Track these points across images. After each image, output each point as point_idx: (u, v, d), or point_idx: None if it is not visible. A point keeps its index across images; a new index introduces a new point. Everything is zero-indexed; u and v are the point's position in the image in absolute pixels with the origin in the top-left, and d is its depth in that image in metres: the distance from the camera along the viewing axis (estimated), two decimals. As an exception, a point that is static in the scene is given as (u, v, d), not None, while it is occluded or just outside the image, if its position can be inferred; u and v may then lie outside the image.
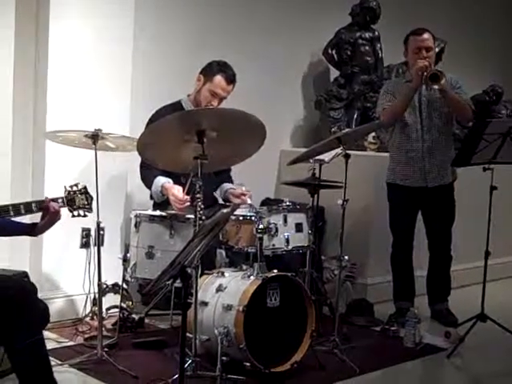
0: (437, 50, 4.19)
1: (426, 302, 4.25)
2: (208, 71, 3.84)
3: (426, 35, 3.95)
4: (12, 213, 2.55)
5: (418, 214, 4.15)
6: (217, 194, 4.02)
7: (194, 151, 3.03)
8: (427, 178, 4.03)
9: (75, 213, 2.80)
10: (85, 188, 2.85)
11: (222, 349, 2.93)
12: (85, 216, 2.86)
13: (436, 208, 4.11)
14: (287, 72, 5.20)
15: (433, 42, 3.98)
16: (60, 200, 2.72)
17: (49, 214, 2.63)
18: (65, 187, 2.79)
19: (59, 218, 2.68)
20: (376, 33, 5.30)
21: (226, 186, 3.97)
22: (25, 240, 2.97)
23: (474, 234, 4.27)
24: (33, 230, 2.70)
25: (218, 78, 3.80)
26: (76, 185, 2.81)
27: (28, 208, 2.59)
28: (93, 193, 3.08)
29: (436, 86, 3.81)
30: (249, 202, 3.58)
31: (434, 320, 4.19)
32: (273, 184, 5.14)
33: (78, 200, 2.79)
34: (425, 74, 3.79)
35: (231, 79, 3.82)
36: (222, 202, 3.99)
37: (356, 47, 5.24)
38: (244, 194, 3.74)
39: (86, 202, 2.83)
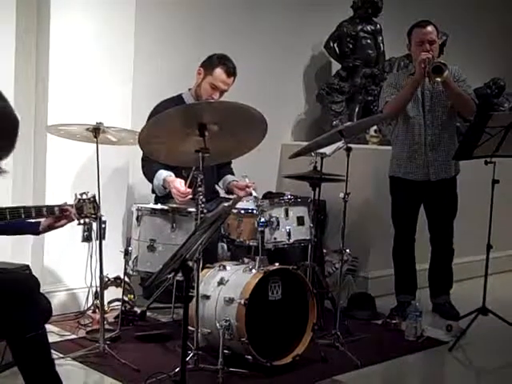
0: (439, 42, 4.17)
1: (428, 296, 4.25)
2: (208, 64, 3.83)
3: (429, 28, 3.93)
4: (34, 214, 2.63)
5: (420, 207, 4.15)
6: (219, 186, 4.02)
7: (196, 144, 3.03)
8: (430, 171, 4.02)
9: (81, 221, 2.89)
10: (93, 197, 2.94)
11: (224, 342, 2.93)
12: (89, 224, 2.93)
13: (438, 202, 4.10)
14: (289, 65, 5.20)
15: (436, 34, 3.96)
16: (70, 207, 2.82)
17: (67, 218, 2.76)
18: (75, 195, 2.88)
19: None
20: (378, 26, 5.29)
21: (229, 178, 3.97)
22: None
23: (475, 227, 4.27)
24: (38, 230, 2.78)
25: (218, 71, 3.79)
26: (86, 193, 2.90)
27: (51, 211, 2.71)
28: (94, 186, 3.10)
29: (439, 79, 3.79)
30: (254, 194, 3.57)
31: (435, 313, 4.19)
32: (274, 177, 5.14)
33: (86, 209, 2.90)
34: (427, 66, 3.78)
35: (231, 72, 3.81)
36: (224, 195, 4.00)
37: (358, 40, 5.23)
38: (248, 186, 3.73)
39: (92, 212, 2.92)
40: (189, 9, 4.58)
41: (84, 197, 2.88)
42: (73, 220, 2.81)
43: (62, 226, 2.79)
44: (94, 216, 2.93)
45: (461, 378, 3.41)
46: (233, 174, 4.04)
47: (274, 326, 3.11)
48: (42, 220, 2.76)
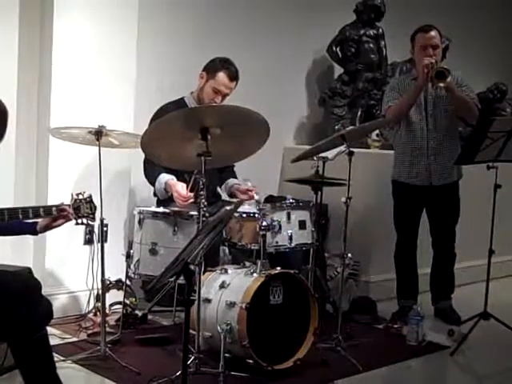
0: (442, 47, 4.17)
1: (430, 300, 4.25)
2: (211, 68, 3.84)
3: (433, 33, 3.93)
4: (31, 215, 2.64)
5: (422, 211, 4.14)
6: (221, 189, 4.02)
7: (198, 148, 3.03)
8: (432, 176, 4.02)
9: (79, 221, 2.90)
10: (90, 197, 2.95)
11: (225, 346, 2.93)
12: (87, 225, 2.96)
13: (440, 206, 4.10)
14: (291, 69, 5.20)
15: (439, 39, 3.96)
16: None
17: (64, 218, 2.76)
18: (72, 195, 2.89)
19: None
20: (380, 30, 5.29)
21: (232, 181, 3.96)
22: (28, 236, 3.00)
23: (477, 232, 4.26)
24: (35, 230, 2.78)
25: (221, 75, 3.79)
26: (82, 193, 2.91)
27: (48, 211, 2.71)
28: (96, 189, 3.10)
29: (441, 84, 3.78)
30: (256, 197, 3.56)
31: (437, 318, 4.18)
32: (276, 181, 5.14)
33: (82, 208, 2.91)
34: (431, 71, 3.78)
35: (234, 76, 3.82)
36: (226, 199, 3.99)
37: (360, 44, 5.23)
38: (250, 190, 3.73)
39: (90, 211, 2.93)
40: (192, 12, 4.58)
41: (80, 197, 2.89)
42: (70, 220, 2.81)
43: (59, 225, 2.78)
44: (91, 216, 2.94)
45: (462, 382, 3.41)
46: (235, 177, 4.03)
47: (275, 330, 3.11)
48: (39, 220, 2.76)
